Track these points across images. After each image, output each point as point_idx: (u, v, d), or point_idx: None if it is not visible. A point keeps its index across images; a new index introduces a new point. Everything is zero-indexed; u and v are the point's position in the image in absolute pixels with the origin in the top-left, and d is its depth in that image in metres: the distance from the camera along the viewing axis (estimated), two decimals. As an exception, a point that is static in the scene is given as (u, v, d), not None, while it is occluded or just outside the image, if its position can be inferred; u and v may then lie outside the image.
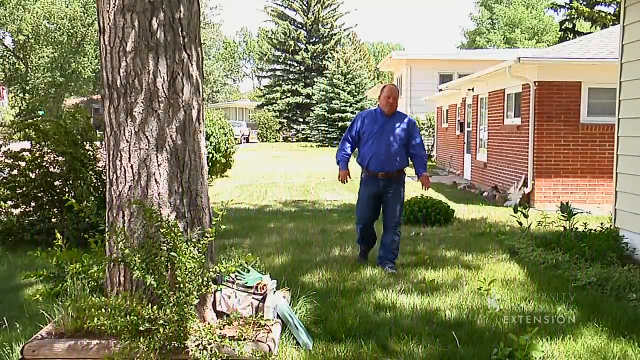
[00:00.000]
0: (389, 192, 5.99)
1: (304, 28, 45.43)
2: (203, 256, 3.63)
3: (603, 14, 26.36)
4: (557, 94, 11.11)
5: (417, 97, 23.35)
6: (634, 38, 6.89)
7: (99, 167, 7.48)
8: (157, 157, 3.74)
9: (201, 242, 3.65)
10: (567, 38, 26.55)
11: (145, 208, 3.59)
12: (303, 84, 44.00)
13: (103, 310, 3.43)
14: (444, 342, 4.08)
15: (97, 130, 7.87)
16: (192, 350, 3.41)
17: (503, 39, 57.31)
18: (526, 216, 7.38)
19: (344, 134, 6.21)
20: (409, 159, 6.11)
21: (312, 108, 38.64)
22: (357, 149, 6.18)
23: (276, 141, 41.36)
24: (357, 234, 6.42)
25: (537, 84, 11.10)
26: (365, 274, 5.81)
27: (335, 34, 45.44)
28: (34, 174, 7.43)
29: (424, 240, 7.73)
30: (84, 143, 7.53)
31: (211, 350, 3.42)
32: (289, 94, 43.79)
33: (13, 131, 8.04)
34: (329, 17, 45.37)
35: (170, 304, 3.44)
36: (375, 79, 53.65)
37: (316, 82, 40.57)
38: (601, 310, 4.74)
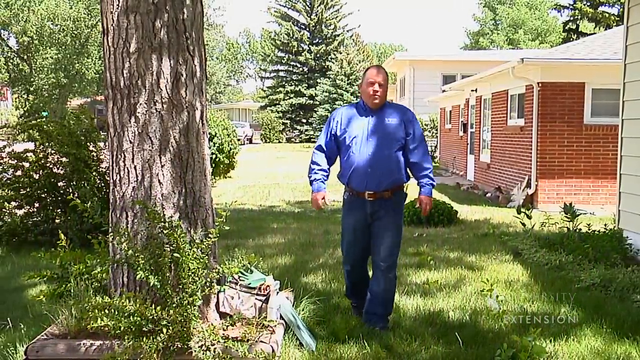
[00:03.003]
0: (379, 219, 4.30)
1: (307, 29, 45.46)
2: (206, 257, 3.64)
3: (607, 15, 26.33)
4: (560, 95, 11.10)
5: (421, 98, 23.32)
6: (638, 39, 6.88)
7: (102, 168, 7.49)
8: (160, 158, 3.74)
9: (204, 243, 3.65)
10: (571, 39, 26.51)
11: (149, 209, 3.60)
12: (306, 85, 44.02)
13: (106, 311, 3.43)
14: (447, 343, 4.08)
15: (101, 131, 7.89)
16: (195, 351, 3.42)
17: (506, 39, 57.23)
18: (529, 217, 7.37)
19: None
20: (409, 169, 4.44)
21: (316, 109, 38.67)
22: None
23: (279, 142, 41.37)
24: (346, 280, 4.70)
25: (540, 84, 11.08)
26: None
27: (338, 35, 45.46)
28: (38, 175, 7.45)
29: (427, 241, 7.72)
30: (88, 144, 7.54)
31: (214, 351, 3.42)
32: (292, 95, 43.82)
33: (17, 132, 8.06)
34: (332, 18, 45.38)
35: (174, 305, 3.44)
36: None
37: (319, 83, 40.61)
38: (605, 311, 4.73)
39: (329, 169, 4.46)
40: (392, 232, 4.33)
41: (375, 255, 4.38)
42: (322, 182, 4.43)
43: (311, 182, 4.46)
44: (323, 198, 4.37)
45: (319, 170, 4.42)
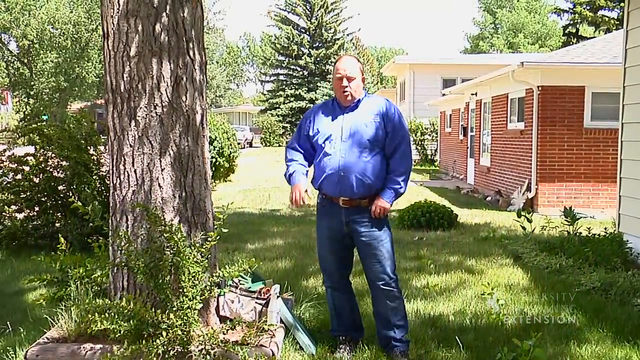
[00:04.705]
0: (362, 230, 3.76)
1: (308, 33, 45.50)
2: (206, 261, 3.64)
3: (606, 19, 26.40)
4: (560, 99, 11.11)
5: (421, 102, 23.35)
6: (637, 43, 6.89)
7: (102, 171, 7.49)
8: (160, 161, 3.74)
9: (204, 247, 3.65)
10: (571, 43, 26.56)
11: (149, 212, 3.60)
12: (306, 88, 44.04)
13: (106, 314, 3.43)
14: (447, 347, 4.07)
15: (101, 135, 7.90)
16: (195, 355, 3.41)
17: (506, 43, 57.30)
18: (530, 221, 7.37)
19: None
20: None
21: (316, 112, 38.59)
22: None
23: (279, 146, 41.33)
24: (329, 304, 4.09)
25: (540, 88, 11.09)
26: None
27: (338, 39, 45.50)
28: (38, 179, 7.45)
29: (427, 244, 7.72)
30: (88, 148, 7.55)
31: (214, 355, 3.41)
32: (292, 99, 43.84)
33: (17, 136, 8.07)
34: (332, 22, 45.43)
35: (174, 309, 3.44)
36: (378, 83, 53.72)
37: (319, 86, 40.67)
38: (605, 315, 4.72)
39: (305, 163, 3.91)
40: (382, 242, 3.77)
41: (369, 273, 3.86)
42: (302, 173, 3.83)
43: (289, 177, 3.85)
44: (306, 191, 3.72)
45: (297, 164, 3.87)
